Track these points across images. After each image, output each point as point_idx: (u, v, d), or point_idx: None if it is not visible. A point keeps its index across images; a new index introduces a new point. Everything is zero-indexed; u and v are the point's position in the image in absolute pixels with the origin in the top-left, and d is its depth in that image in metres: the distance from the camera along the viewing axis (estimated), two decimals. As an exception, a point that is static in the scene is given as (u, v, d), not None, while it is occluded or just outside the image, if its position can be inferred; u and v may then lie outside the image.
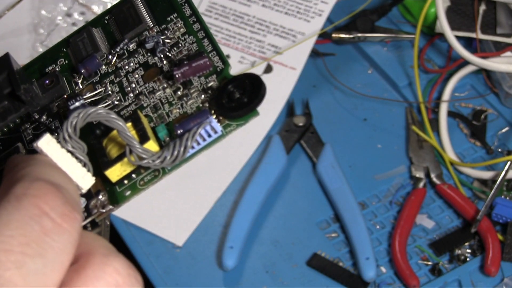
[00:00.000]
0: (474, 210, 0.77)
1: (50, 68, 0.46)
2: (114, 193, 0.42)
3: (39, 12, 0.91)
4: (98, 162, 0.42)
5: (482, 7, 0.88)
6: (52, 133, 0.43)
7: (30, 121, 0.45)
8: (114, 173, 0.42)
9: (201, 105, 0.42)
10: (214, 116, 0.42)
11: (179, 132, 0.41)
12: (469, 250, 0.77)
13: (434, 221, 0.80)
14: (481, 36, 0.87)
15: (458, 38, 0.85)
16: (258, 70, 0.88)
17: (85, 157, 0.39)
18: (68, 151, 0.38)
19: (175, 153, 0.40)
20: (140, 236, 0.79)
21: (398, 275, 0.76)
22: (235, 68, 0.88)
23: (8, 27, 0.92)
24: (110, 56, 0.45)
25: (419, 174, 0.82)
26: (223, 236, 0.79)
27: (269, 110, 0.85)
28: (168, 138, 0.42)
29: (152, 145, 0.41)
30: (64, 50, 0.47)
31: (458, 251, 0.77)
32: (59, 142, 0.37)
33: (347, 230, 0.78)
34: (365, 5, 0.93)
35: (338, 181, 0.81)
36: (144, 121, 0.42)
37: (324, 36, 0.92)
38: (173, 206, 0.80)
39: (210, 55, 0.43)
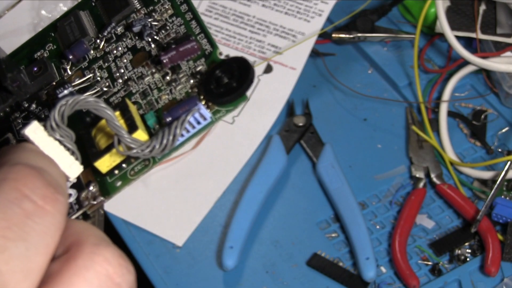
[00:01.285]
0: (474, 210, 0.77)
1: (38, 54, 0.46)
2: (105, 184, 0.42)
3: (39, 12, 0.91)
4: (88, 153, 0.41)
5: (482, 7, 0.88)
6: (41, 122, 0.42)
7: (19, 110, 0.44)
8: (104, 164, 0.41)
9: (190, 91, 0.42)
10: (203, 103, 0.41)
11: (168, 120, 0.41)
12: (469, 250, 0.77)
13: (434, 221, 0.80)
14: (481, 36, 0.87)
15: (458, 38, 0.85)
16: (258, 70, 0.88)
17: (73, 145, 0.38)
18: (56, 139, 0.37)
19: (164, 142, 0.40)
20: (140, 236, 0.79)
21: (398, 275, 0.75)
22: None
23: (8, 27, 0.92)
24: (98, 41, 0.44)
25: (419, 174, 0.82)
26: (223, 236, 0.79)
27: (269, 110, 0.85)
28: (157, 126, 0.42)
29: (141, 134, 0.41)
30: (52, 34, 0.46)
31: (458, 251, 0.77)
32: (46, 130, 0.37)
33: (347, 230, 0.78)
34: (365, 5, 0.93)
35: (338, 181, 0.80)
36: (133, 109, 0.42)
37: (324, 36, 0.92)
38: (173, 206, 0.80)
39: (198, 37, 0.43)
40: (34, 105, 0.44)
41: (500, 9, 0.87)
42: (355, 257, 0.76)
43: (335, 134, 0.86)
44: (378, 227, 0.80)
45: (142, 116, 0.42)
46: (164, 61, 0.42)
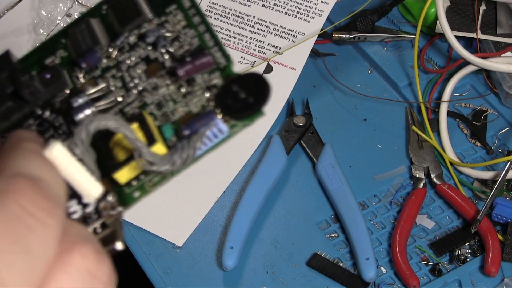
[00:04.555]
0: (474, 210, 0.77)
1: (49, 60, 0.45)
2: (123, 195, 0.42)
3: (39, 12, 0.91)
4: (107, 164, 0.41)
5: (482, 7, 0.88)
6: (56, 130, 0.42)
7: (33, 117, 0.44)
8: (123, 175, 0.41)
9: (205, 104, 0.42)
10: (220, 116, 0.41)
11: (186, 133, 0.41)
12: (469, 250, 0.77)
13: (434, 221, 0.80)
14: (481, 36, 0.87)
15: (458, 38, 0.85)
16: (258, 70, 0.88)
17: (93, 165, 0.38)
18: (77, 159, 0.37)
19: (185, 156, 0.40)
20: (140, 236, 0.79)
21: (398, 275, 0.76)
22: (236, 68, 0.88)
23: (8, 27, 0.92)
24: (110, 49, 0.44)
25: (419, 174, 0.82)
26: (223, 236, 0.79)
27: (269, 110, 0.84)
28: (174, 139, 0.42)
29: (159, 148, 0.40)
30: (63, 41, 0.45)
31: (458, 251, 0.77)
32: (68, 150, 0.37)
33: (347, 230, 0.78)
34: (365, 5, 0.93)
35: (338, 181, 0.81)
36: (150, 122, 0.41)
37: (324, 36, 0.92)
38: (173, 206, 0.80)
39: (212, 50, 0.42)
40: (48, 113, 0.44)
41: (500, 9, 0.87)
42: (355, 257, 0.76)
43: (335, 134, 0.86)
44: (378, 227, 0.80)
45: (159, 128, 0.42)
46: (180, 74, 0.42)
